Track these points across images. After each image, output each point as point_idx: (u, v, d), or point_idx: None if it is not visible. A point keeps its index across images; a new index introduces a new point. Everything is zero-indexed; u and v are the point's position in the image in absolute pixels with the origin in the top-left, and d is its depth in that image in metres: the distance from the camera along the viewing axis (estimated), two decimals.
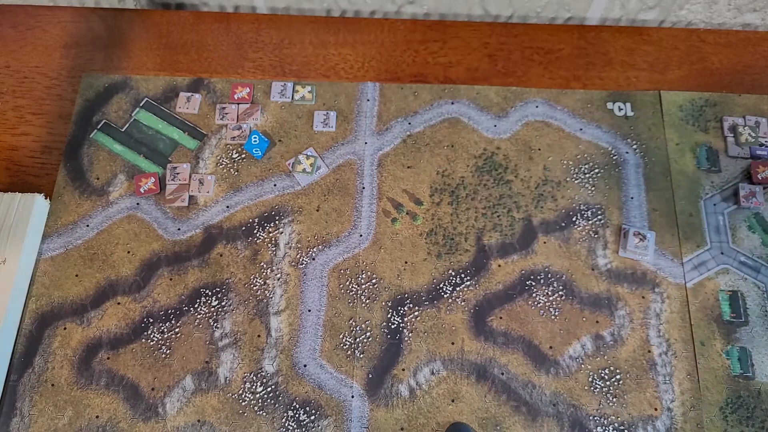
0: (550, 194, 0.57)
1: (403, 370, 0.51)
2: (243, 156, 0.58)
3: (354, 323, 0.52)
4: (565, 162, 0.58)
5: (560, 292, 0.53)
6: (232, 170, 0.58)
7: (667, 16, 0.67)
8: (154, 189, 0.57)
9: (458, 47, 0.64)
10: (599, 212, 0.56)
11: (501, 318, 0.52)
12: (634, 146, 0.59)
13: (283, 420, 0.49)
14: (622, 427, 0.49)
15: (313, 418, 0.49)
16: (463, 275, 0.54)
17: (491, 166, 0.58)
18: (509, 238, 0.55)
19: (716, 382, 0.50)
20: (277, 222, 0.56)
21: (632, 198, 0.57)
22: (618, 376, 0.51)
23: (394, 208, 0.56)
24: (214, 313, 0.52)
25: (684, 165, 0.58)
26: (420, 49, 0.64)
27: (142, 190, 0.56)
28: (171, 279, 0.54)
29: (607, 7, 0.66)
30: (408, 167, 0.58)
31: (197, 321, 0.52)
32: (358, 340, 0.52)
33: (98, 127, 0.59)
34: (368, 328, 0.52)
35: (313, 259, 0.54)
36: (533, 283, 0.54)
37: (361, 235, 0.55)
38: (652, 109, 0.60)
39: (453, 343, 0.52)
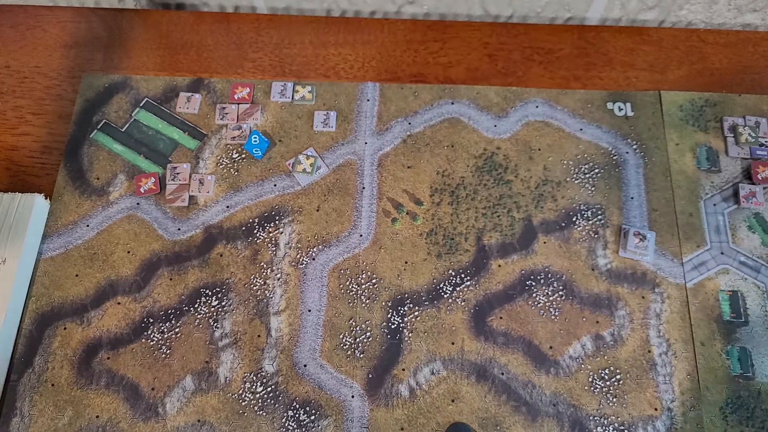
0: (550, 194, 0.57)
1: (403, 370, 0.51)
2: (243, 156, 0.58)
3: (354, 323, 0.52)
4: (565, 162, 0.58)
5: (560, 292, 0.53)
6: (232, 170, 0.58)
7: (667, 16, 0.67)
8: (154, 189, 0.57)
9: (458, 47, 0.64)
10: (599, 212, 0.56)
11: (501, 318, 0.52)
12: (634, 146, 0.59)
13: (283, 420, 0.49)
14: (622, 427, 0.49)
15: (313, 418, 0.49)
16: (463, 275, 0.54)
17: (491, 166, 0.58)
18: (509, 238, 0.55)
19: (716, 382, 0.50)
20: (277, 222, 0.56)
21: (632, 198, 0.57)
22: (618, 376, 0.51)
23: (394, 208, 0.56)
24: (214, 313, 0.52)
25: (684, 165, 0.58)
26: (420, 49, 0.64)
27: (142, 190, 0.56)
28: (171, 279, 0.54)
29: (607, 7, 0.66)
30: (408, 167, 0.58)
31: (197, 321, 0.52)
32: (358, 340, 0.52)
33: (98, 127, 0.59)
34: (368, 328, 0.52)
35: (313, 259, 0.54)
36: (533, 283, 0.54)
37: (361, 235, 0.55)
38: (652, 109, 0.60)
39: (453, 343, 0.52)
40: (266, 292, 0.53)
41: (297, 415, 0.49)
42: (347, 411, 0.49)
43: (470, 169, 0.58)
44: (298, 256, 0.54)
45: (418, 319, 0.52)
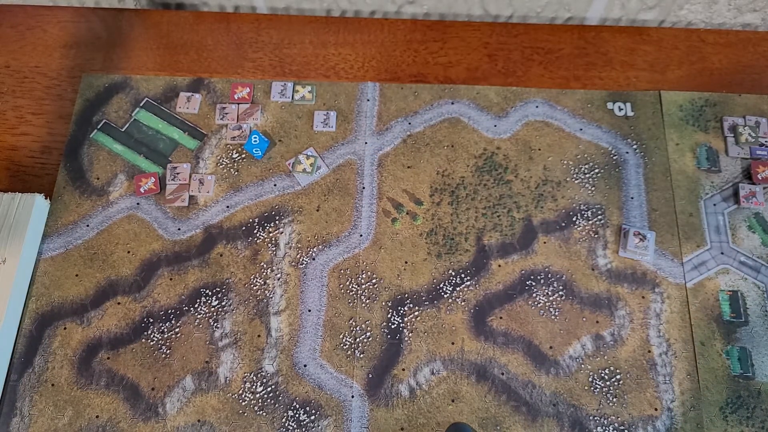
0: (550, 194, 0.57)
1: (403, 370, 0.51)
2: (243, 156, 0.58)
3: (354, 323, 0.52)
4: (565, 162, 0.58)
5: (560, 292, 0.53)
6: (232, 170, 0.58)
7: (667, 16, 0.67)
8: (154, 189, 0.57)
9: (458, 47, 0.64)
10: (599, 212, 0.56)
11: (501, 318, 0.52)
12: (634, 146, 0.59)
13: (283, 420, 0.49)
14: (622, 427, 0.49)
15: (313, 418, 0.49)
16: (463, 275, 0.54)
17: (491, 166, 0.58)
18: (509, 238, 0.55)
19: (716, 382, 0.50)
20: (277, 222, 0.56)
21: (632, 198, 0.57)
22: (618, 376, 0.51)
23: (394, 208, 0.56)
24: (214, 313, 0.52)
25: (684, 165, 0.58)
26: (420, 49, 0.64)
27: (142, 190, 0.56)
28: (171, 279, 0.54)
29: (607, 7, 0.66)
30: (408, 167, 0.58)
31: (197, 321, 0.52)
32: (358, 340, 0.52)
33: (98, 127, 0.59)
34: (368, 328, 0.52)
35: (313, 259, 0.54)
36: (533, 283, 0.54)
37: (361, 235, 0.55)
38: (652, 109, 0.60)
39: (453, 343, 0.52)
40: (266, 292, 0.53)
41: (297, 415, 0.49)
42: (347, 411, 0.49)
43: (470, 169, 0.58)
44: (298, 256, 0.54)
45: (418, 319, 0.52)
